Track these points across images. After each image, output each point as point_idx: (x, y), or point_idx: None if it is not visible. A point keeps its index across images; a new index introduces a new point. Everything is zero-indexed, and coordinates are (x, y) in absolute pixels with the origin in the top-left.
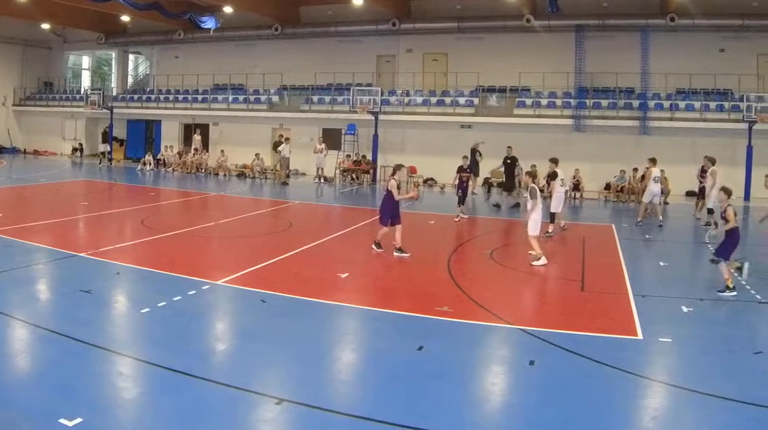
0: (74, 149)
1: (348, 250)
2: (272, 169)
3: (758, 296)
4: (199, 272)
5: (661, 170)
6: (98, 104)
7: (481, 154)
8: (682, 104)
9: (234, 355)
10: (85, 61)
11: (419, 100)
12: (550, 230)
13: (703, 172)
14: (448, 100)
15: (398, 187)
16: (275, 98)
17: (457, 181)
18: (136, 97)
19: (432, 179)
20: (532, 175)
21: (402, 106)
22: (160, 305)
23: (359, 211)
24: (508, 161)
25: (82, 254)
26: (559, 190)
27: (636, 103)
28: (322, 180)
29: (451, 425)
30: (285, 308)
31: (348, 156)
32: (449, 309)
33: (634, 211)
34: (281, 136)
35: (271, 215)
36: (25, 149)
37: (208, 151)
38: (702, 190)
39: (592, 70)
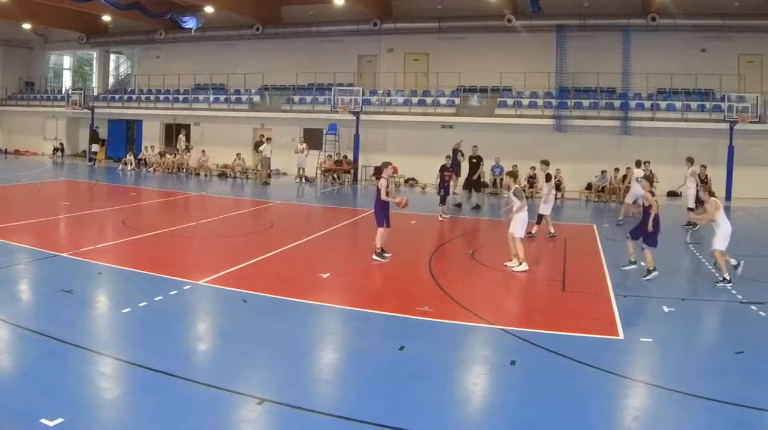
0: (55, 149)
1: (329, 250)
2: (253, 169)
3: (739, 296)
4: (180, 272)
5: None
6: (79, 104)
7: (463, 154)
8: (663, 104)
9: (215, 355)
10: (67, 60)
11: (400, 100)
12: (533, 231)
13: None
14: (429, 100)
15: (387, 187)
16: (256, 98)
17: (438, 181)
18: (117, 97)
19: (413, 179)
20: (514, 175)
21: (383, 106)
22: (141, 305)
23: (340, 212)
24: (474, 161)
25: (63, 254)
26: (551, 193)
27: (617, 103)
28: (303, 180)
29: (433, 425)
30: (266, 308)
31: (329, 156)
32: (430, 309)
33: (615, 212)
34: (262, 136)
35: (252, 215)
36: (6, 149)
37: (188, 151)
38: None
39: (573, 70)
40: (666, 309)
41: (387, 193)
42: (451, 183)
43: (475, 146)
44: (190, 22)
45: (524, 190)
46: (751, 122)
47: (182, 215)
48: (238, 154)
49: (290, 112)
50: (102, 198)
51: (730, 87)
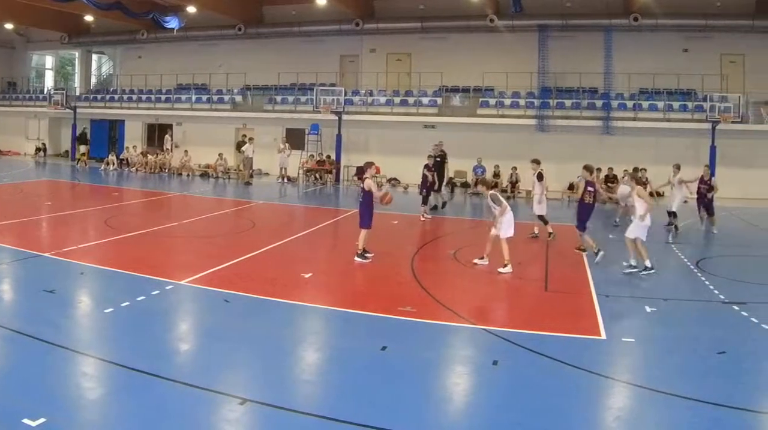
0: (38, 149)
1: (311, 250)
2: (235, 169)
3: (722, 296)
4: (162, 272)
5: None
6: (61, 104)
7: (445, 154)
8: (645, 104)
9: (197, 355)
10: (49, 60)
11: (382, 100)
12: (536, 231)
13: (702, 182)
14: (411, 100)
15: (379, 186)
16: (238, 98)
17: (421, 180)
18: (99, 97)
19: (395, 179)
20: (487, 183)
21: (365, 106)
22: (123, 305)
23: (322, 212)
24: (438, 160)
25: (45, 254)
26: (544, 192)
27: (599, 103)
28: (285, 180)
29: (415, 425)
30: (248, 307)
31: (311, 156)
32: (413, 309)
33: (598, 212)
34: (244, 136)
35: (234, 215)
36: None
37: (171, 151)
38: (702, 200)
39: (555, 70)
40: (648, 309)
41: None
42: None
43: (437, 144)
44: (172, 22)
45: (507, 190)
46: (733, 122)
47: (164, 215)
48: (220, 155)
49: (272, 112)
50: (84, 198)
51: (712, 87)
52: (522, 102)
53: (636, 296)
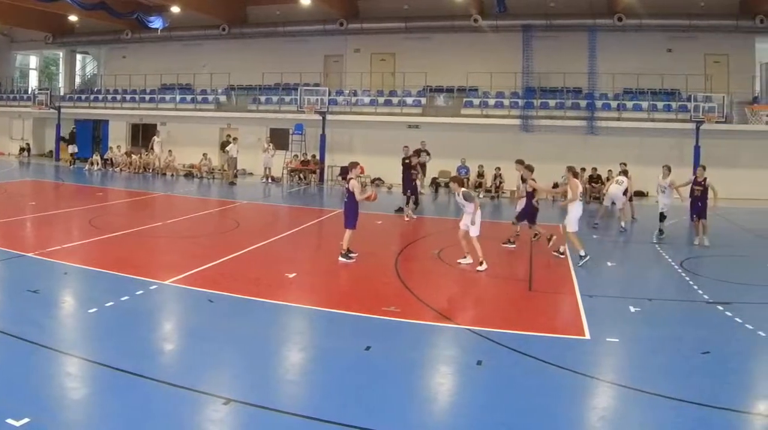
0: (22, 149)
1: (296, 250)
2: (220, 169)
3: (706, 297)
4: (146, 272)
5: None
6: (46, 104)
7: (429, 154)
8: (629, 104)
9: (182, 355)
10: (33, 60)
11: (367, 100)
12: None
13: (697, 183)
14: (395, 100)
15: (363, 186)
16: (223, 98)
17: (405, 180)
18: (83, 97)
19: (379, 179)
20: (459, 180)
21: (349, 106)
22: (107, 305)
23: (307, 211)
24: (406, 161)
25: (29, 254)
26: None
27: (583, 103)
28: (269, 180)
29: (399, 425)
30: (232, 307)
31: (295, 156)
32: (396, 309)
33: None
34: (229, 136)
35: (218, 215)
36: None
37: (162, 153)
38: (695, 204)
39: (539, 70)
40: (632, 309)
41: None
42: (418, 182)
43: (406, 146)
44: (156, 22)
45: (491, 190)
46: (717, 122)
47: (149, 215)
48: (204, 154)
49: (256, 112)
50: (68, 198)
51: (696, 87)
52: (506, 102)
53: (620, 296)
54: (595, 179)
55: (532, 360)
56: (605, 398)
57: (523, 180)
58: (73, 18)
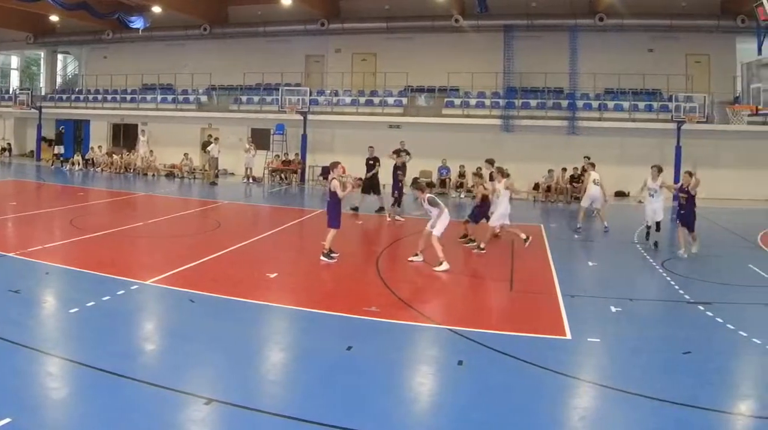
0: (3, 149)
1: (277, 250)
2: (201, 170)
3: (687, 296)
4: (128, 272)
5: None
6: (27, 104)
7: (409, 154)
8: (610, 104)
9: (163, 355)
10: (14, 60)
11: (348, 100)
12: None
13: (682, 190)
14: (376, 100)
15: (343, 186)
16: (204, 98)
17: (392, 182)
18: (65, 97)
19: (360, 179)
20: (421, 187)
21: (331, 106)
22: (89, 305)
23: (288, 211)
24: (371, 162)
25: (10, 254)
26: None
27: (565, 103)
28: (250, 180)
29: (380, 425)
30: (214, 307)
31: (277, 156)
32: (378, 309)
33: (562, 212)
34: (210, 136)
35: (199, 215)
36: None
37: (148, 153)
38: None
39: (520, 70)
40: (613, 309)
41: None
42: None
43: (371, 147)
44: (137, 22)
45: (473, 190)
46: (698, 122)
47: (130, 215)
48: (185, 154)
49: (238, 112)
50: (50, 198)
51: (677, 87)
52: (487, 102)
53: (601, 296)
54: (576, 179)
55: (514, 360)
56: (586, 398)
57: (491, 178)
58: (54, 18)
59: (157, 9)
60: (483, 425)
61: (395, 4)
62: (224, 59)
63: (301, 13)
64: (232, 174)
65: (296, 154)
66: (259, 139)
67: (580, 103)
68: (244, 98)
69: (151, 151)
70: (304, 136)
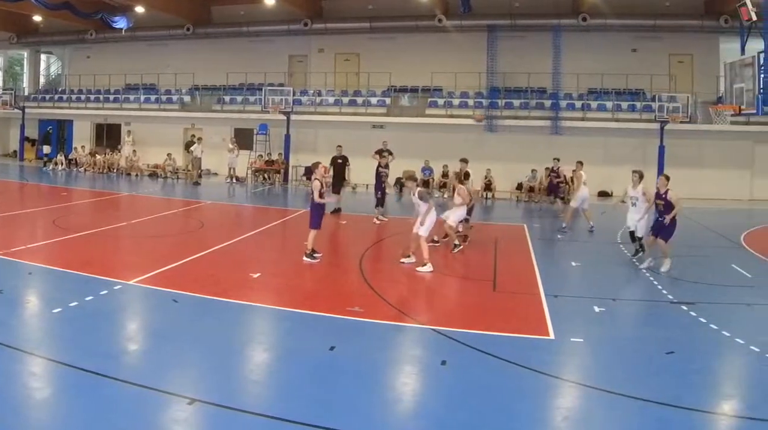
0: None
1: (260, 250)
2: (184, 169)
3: (670, 297)
4: (111, 272)
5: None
6: (10, 104)
7: (392, 154)
8: (594, 104)
9: (146, 355)
10: None
11: (331, 100)
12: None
13: (658, 196)
14: (360, 100)
15: (322, 188)
16: (187, 98)
17: (375, 182)
18: (48, 97)
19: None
20: (413, 178)
21: (314, 106)
22: (72, 305)
23: (271, 212)
24: (339, 161)
25: None
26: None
27: (548, 103)
28: (234, 180)
29: (363, 425)
30: (197, 307)
31: (260, 156)
32: (361, 309)
33: (545, 212)
34: (193, 136)
35: (182, 215)
36: None
37: (133, 153)
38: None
39: (504, 70)
40: (597, 309)
41: (321, 195)
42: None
43: (339, 146)
44: (120, 22)
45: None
46: (681, 122)
47: (113, 215)
48: (168, 154)
49: (221, 112)
50: (33, 198)
51: (660, 87)
52: (470, 102)
53: (585, 296)
54: (563, 180)
55: (497, 360)
56: (569, 398)
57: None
58: (37, 18)
59: (140, 9)
60: (466, 425)
61: (378, 4)
62: (207, 59)
63: (284, 13)
64: (216, 174)
65: (279, 154)
66: (243, 139)
67: (563, 103)
68: (227, 98)
69: (135, 151)
70: (288, 136)
